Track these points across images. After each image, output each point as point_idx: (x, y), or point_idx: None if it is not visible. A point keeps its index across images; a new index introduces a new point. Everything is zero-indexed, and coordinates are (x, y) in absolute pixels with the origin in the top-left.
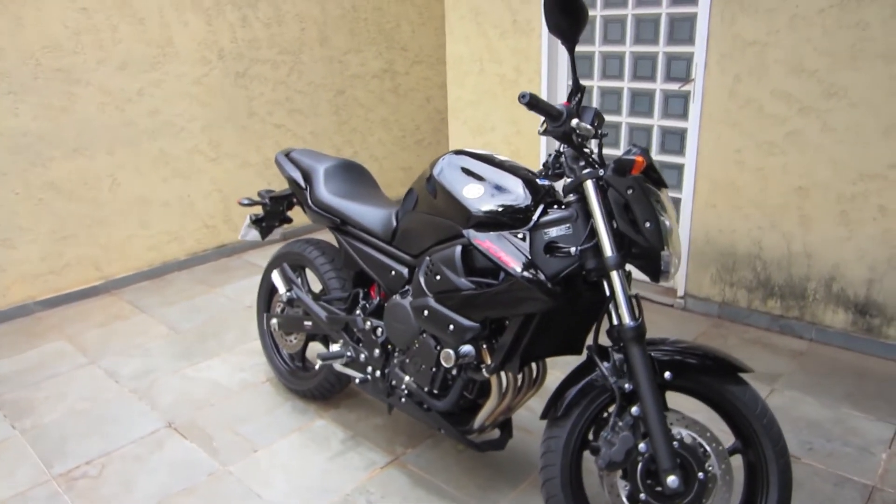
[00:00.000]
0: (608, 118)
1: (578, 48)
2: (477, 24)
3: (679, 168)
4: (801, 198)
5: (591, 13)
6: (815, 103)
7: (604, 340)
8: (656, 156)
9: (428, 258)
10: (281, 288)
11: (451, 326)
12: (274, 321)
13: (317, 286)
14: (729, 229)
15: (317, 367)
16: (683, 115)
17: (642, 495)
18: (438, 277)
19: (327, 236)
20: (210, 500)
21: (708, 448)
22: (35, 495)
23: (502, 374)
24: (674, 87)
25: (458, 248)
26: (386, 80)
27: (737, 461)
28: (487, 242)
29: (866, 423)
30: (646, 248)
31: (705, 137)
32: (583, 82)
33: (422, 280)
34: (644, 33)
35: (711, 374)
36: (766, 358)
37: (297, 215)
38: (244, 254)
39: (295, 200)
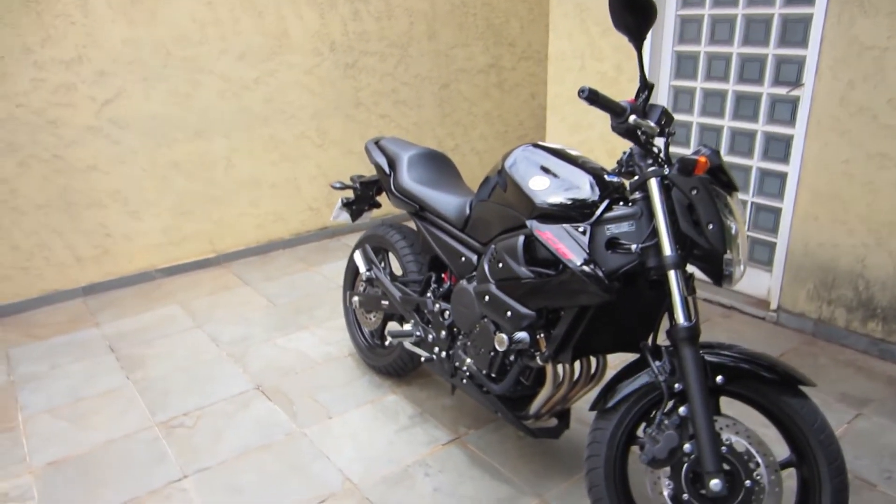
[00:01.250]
0: (709, 121)
1: (683, 47)
2: (580, 20)
3: (782, 177)
4: None
5: (698, 12)
6: None
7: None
8: (758, 162)
9: (493, 246)
10: (361, 267)
11: (509, 313)
12: (356, 299)
13: (399, 269)
14: (830, 243)
15: (386, 343)
16: (790, 121)
17: (685, 496)
18: (501, 265)
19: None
20: (285, 458)
21: (758, 457)
22: (139, 438)
23: (557, 364)
24: (782, 91)
25: (522, 238)
26: (492, 74)
27: (791, 478)
28: (548, 234)
29: None
30: (708, 251)
31: (811, 145)
32: (685, 83)
33: (486, 267)
34: (754, 34)
35: (767, 384)
36: (858, 382)
37: (388, 201)
38: (343, 237)
39: (381, 185)
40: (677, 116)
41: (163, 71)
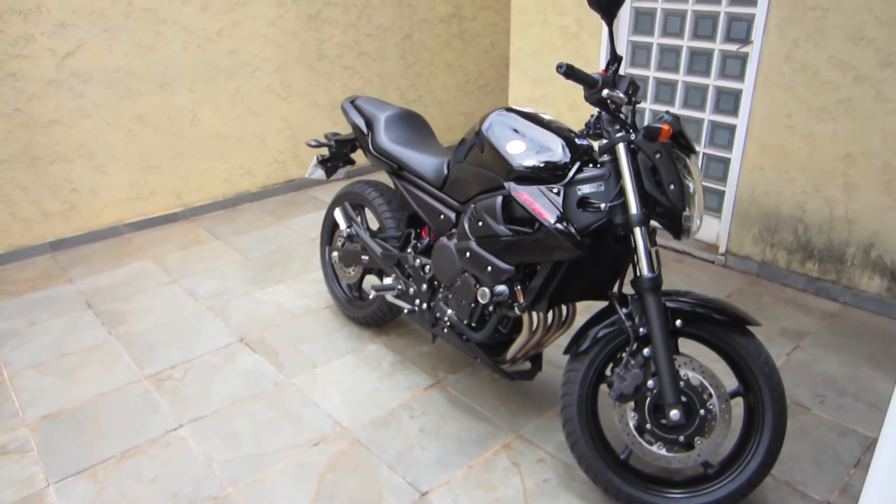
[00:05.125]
0: (665, 76)
1: (641, 4)
2: None
3: (731, 129)
4: (847, 165)
5: None
6: (870, 72)
7: (629, 290)
8: (710, 115)
9: (473, 205)
10: (342, 224)
11: (489, 268)
12: (335, 254)
13: (375, 224)
14: (774, 191)
15: (371, 297)
16: (739, 76)
17: (648, 425)
18: (480, 223)
19: (387, 179)
20: (275, 406)
21: (711, 389)
22: (130, 391)
23: (533, 312)
24: (732, 47)
25: (500, 199)
26: (453, 24)
27: (739, 406)
28: (525, 195)
29: (882, 383)
30: (669, 208)
31: (758, 100)
32: (643, 39)
33: (466, 225)
34: None
35: (719, 325)
36: (797, 317)
37: (360, 157)
38: (310, 189)
39: (358, 144)
40: (635, 71)
41: (124, 22)
